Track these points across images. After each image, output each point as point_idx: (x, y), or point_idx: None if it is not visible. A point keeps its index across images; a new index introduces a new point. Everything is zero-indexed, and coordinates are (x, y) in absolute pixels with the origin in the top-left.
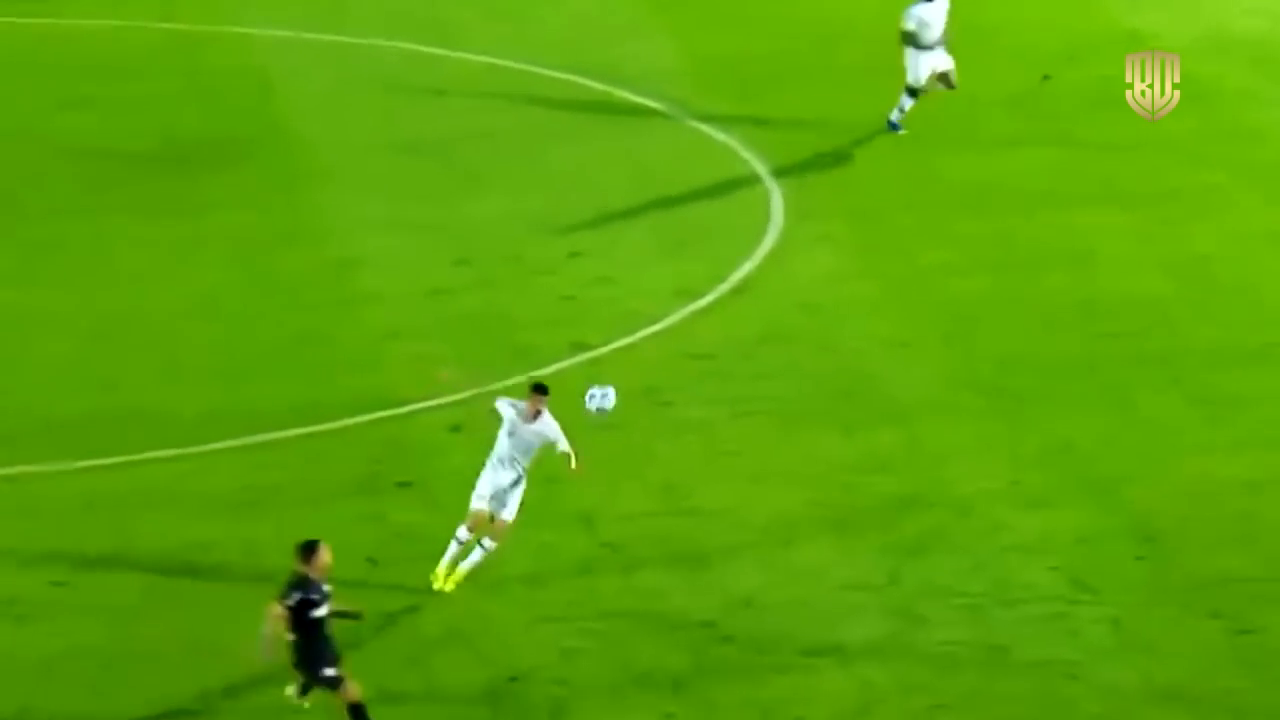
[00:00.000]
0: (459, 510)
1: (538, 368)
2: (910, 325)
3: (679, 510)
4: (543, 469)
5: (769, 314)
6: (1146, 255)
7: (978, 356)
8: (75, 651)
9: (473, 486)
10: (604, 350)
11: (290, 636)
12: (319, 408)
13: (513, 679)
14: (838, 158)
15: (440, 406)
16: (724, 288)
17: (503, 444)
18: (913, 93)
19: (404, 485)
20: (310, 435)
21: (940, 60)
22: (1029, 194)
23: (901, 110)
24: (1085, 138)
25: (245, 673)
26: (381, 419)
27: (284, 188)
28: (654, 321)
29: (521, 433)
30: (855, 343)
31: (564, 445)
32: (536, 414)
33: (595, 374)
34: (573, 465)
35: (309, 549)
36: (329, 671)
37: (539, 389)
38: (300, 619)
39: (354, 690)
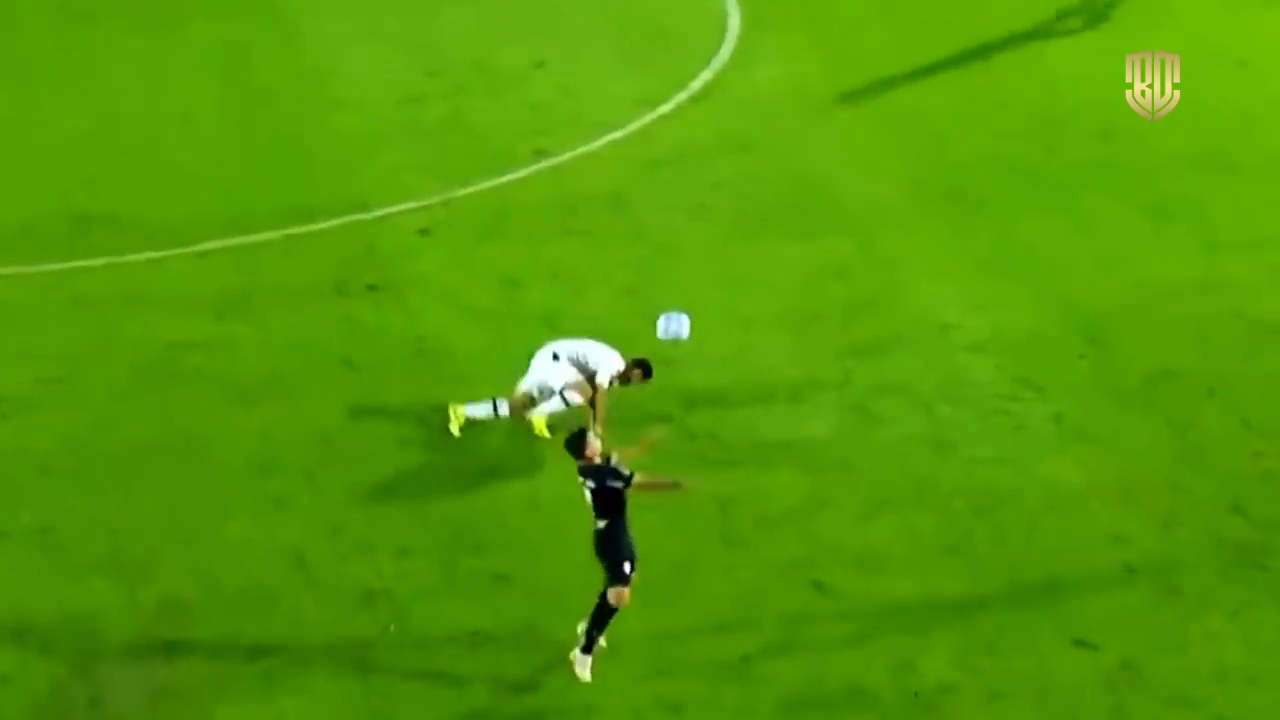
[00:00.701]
0: (426, 312)
1: (504, 173)
2: (867, 134)
3: (639, 312)
4: (504, 271)
5: (728, 122)
6: (1104, 68)
7: (934, 164)
8: (66, 447)
9: (440, 289)
10: (567, 157)
11: (598, 523)
12: (294, 212)
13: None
14: None
15: (408, 211)
16: (683, 96)
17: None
18: None
19: (373, 288)
20: (286, 239)
21: None
22: (991, 7)
23: None
24: None
25: (230, 464)
26: (353, 223)
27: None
28: (615, 129)
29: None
30: (812, 151)
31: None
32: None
33: (558, 180)
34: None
35: (578, 442)
36: (628, 567)
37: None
38: (607, 502)
39: (627, 597)
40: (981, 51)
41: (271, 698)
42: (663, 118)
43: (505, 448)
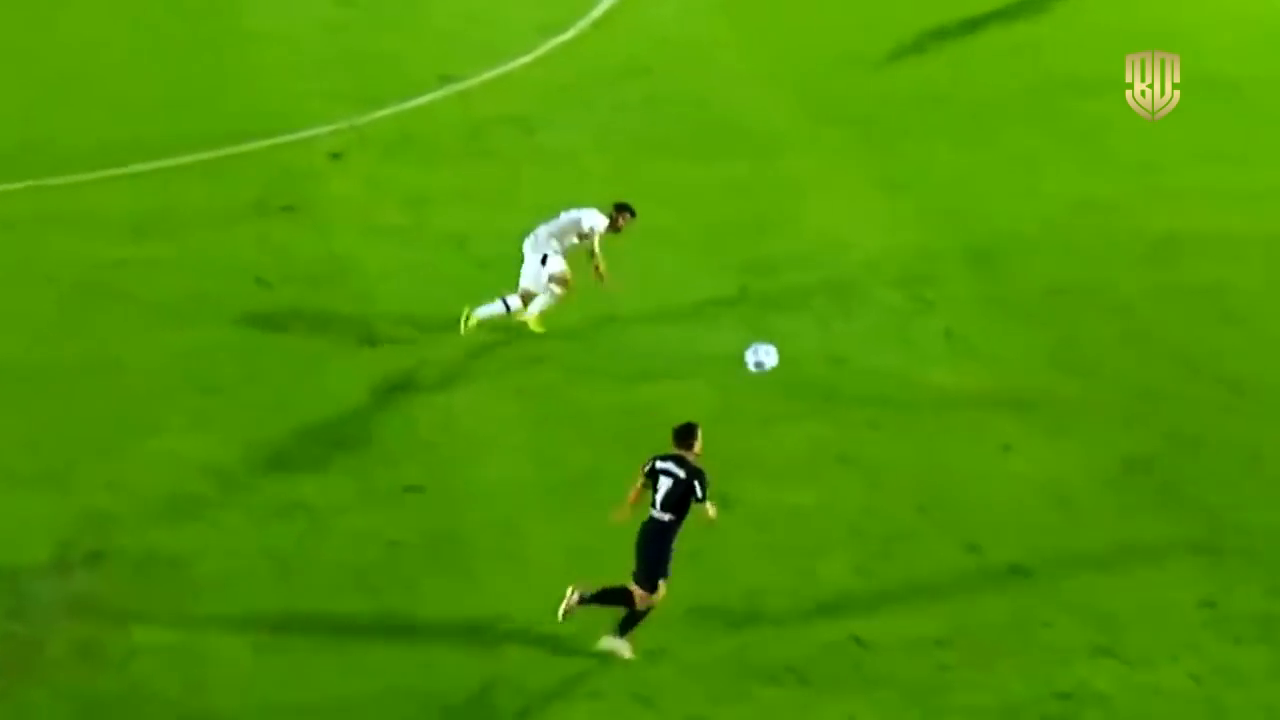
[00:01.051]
0: (339, 231)
1: (412, 98)
2: (769, 60)
3: None
4: (413, 192)
5: (629, 48)
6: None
7: (832, 90)
8: None
9: (352, 209)
10: (474, 82)
11: (662, 515)
12: (212, 137)
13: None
14: None
15: (321, 136)
16: (584, 23)
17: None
18: None
19: (289, 209)
20: (204, 163)
21: None
22: None
23: None
24: None
25: (151, 380)
26: (269, 147)
27: None
28: (519, 55)
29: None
30: (712, 76)
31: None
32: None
33: (465, 105)
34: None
35: (688, 434)
36: (663, 584)
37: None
38: (680, 499)
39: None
40: None
41: (190, 607)
42: (565, 44)
43: (419, 363)
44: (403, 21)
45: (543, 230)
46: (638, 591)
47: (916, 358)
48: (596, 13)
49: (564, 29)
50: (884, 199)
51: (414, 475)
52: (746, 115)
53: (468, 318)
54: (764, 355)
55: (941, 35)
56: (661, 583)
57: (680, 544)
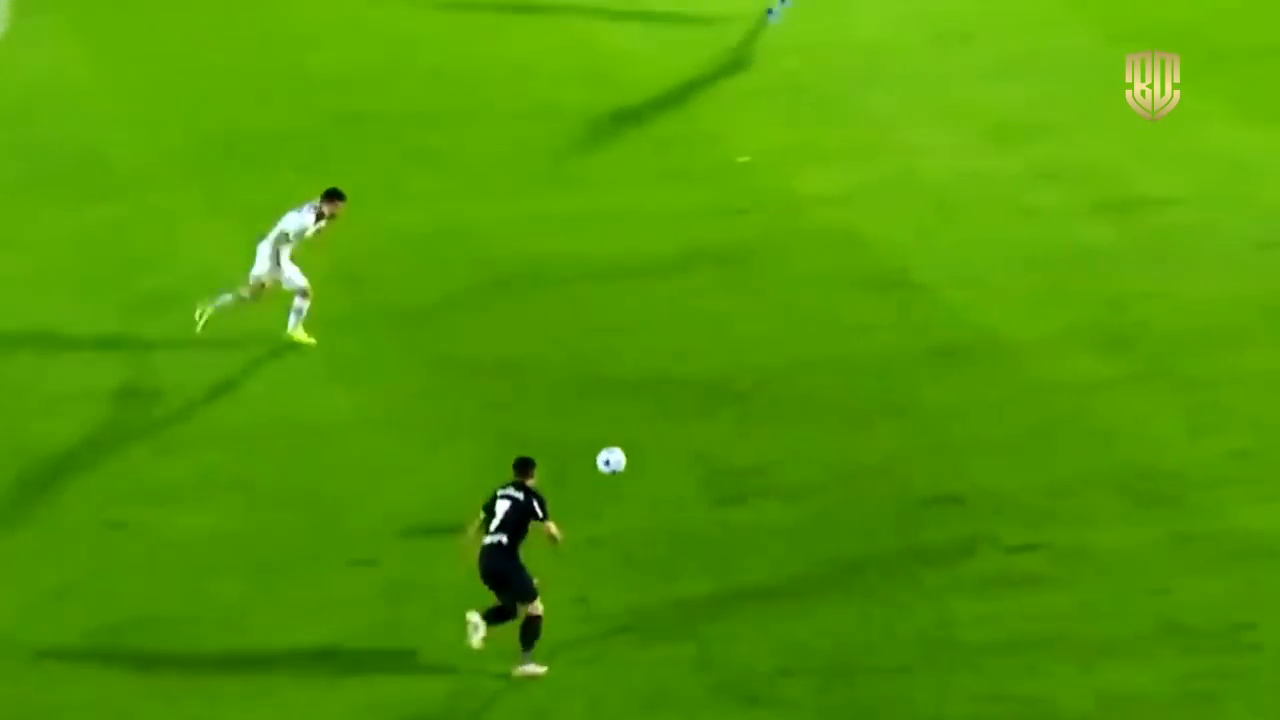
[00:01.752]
0: None
1: None
2: (137, 104)
3: None
4: None
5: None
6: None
7: (198, 130)
8: None
9: None
10: None
11: (499, 538)
12: None
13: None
14: None
15: None
16: None
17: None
18: None
19: None
20: None
21: None
22: None
23: None
24: None
25: None
26: None
27: None
28: None
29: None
30: (86, 122)
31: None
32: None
33: None
34: None
35: (529, 466)
36: (535, 581)
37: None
38: (519, 522)
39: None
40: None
41: None
42: None
43: None
44: None
45: (264, 247)
46: (534, 607)
47: (299, 380)
48: None
49: None
50: (251, 229)
51: None
52: (117, 157)
53: (203, 313)
54: (614, 460)
55: (295, 75)
56: (534, 580)
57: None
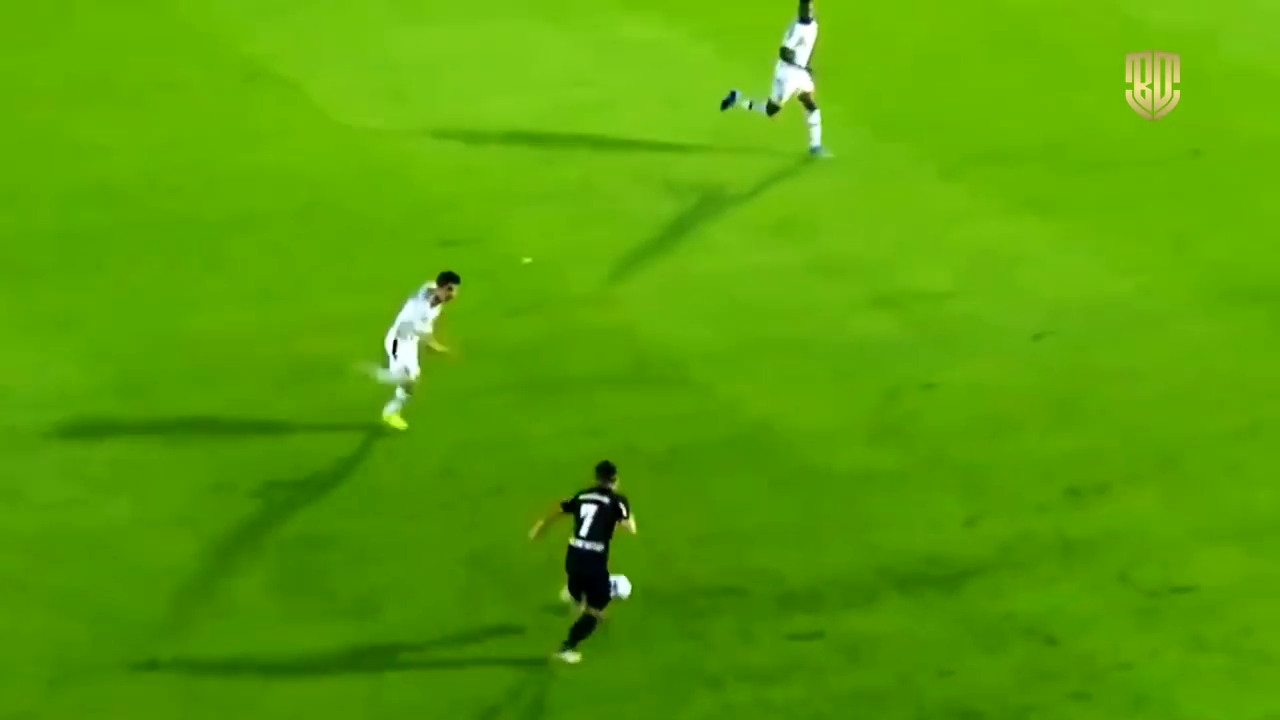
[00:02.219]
0: None
1: None
2: None
3: None
4: None
5: None
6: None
7: None
8: None
9: None
10: None
11: (594, 545)
12: None
13: None
14: None
15: None
16: None
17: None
18: (773, 109)
19: None
20: None
21: (804, 81)
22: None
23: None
24: None
25: None
26: None
27: None
28: None
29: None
30: None
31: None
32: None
33: None
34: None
35: (611, 469)
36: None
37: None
38: (608, 525)
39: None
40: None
41: None
42: None
43: None
44: None
45: (391, 335)
46: (603, 612)
47: (90, 486)
48: None
49: None
50: (46, 340)
51: None
52: None
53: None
54: (620, 586)
55: (84, 182)
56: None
57: None
